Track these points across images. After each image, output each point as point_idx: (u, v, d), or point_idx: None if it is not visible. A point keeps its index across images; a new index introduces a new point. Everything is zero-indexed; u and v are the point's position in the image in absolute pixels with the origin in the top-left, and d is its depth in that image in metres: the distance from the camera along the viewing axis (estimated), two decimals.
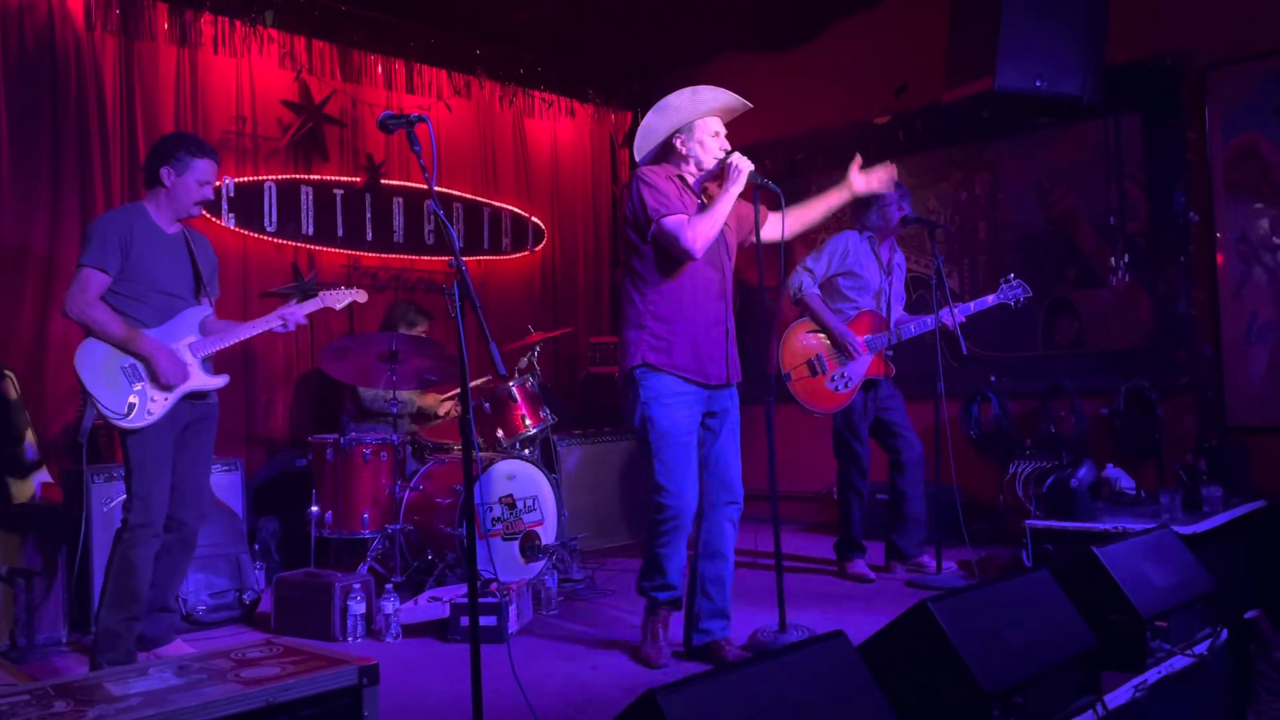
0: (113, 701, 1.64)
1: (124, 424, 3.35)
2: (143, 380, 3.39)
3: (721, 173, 3.38)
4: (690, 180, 3.46)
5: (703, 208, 3.38)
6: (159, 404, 3.40)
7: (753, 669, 2.00)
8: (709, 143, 3.42)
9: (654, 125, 3.45)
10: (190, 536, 3.61)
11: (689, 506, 3.37)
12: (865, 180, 3.59)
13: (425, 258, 6.25)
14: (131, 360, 3.39)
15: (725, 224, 3.40)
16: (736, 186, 3.33)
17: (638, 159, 3.55)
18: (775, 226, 3.51)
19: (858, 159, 3.59)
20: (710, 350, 3.41)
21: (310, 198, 5.73)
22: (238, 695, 1.67)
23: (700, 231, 3.28)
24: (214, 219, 5.33)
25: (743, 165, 3.32)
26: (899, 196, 4.74)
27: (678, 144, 3.45)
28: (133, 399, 3.36)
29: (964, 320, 4.57)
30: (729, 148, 3.44)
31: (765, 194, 3.41)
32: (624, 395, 3.47)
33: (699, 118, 3.42)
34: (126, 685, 1.73)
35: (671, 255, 3.36)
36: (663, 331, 3.37)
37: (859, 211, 4.82)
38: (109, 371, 3.36)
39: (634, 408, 3.40)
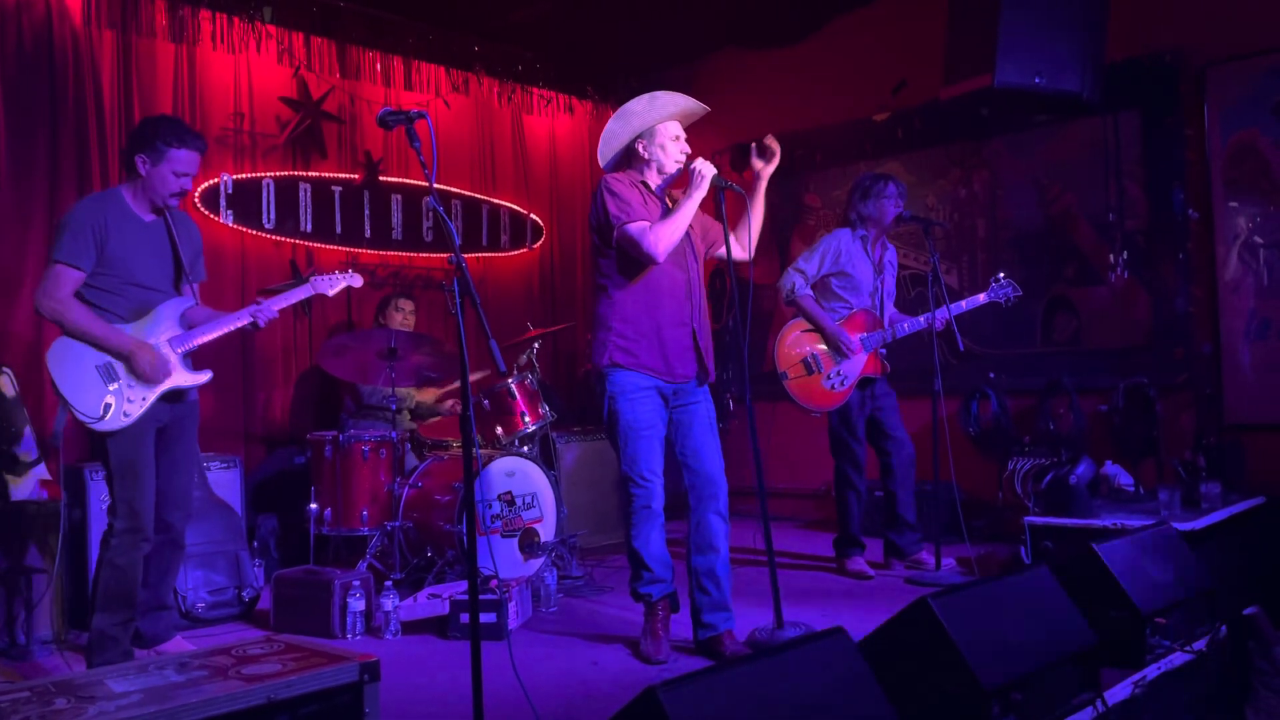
0: (113, 698, 1.63)
1: (98, 427, 3.22)
2: (119, 380, 3.26)
3: (684, 178, 3.47)
4: (653, 185, 3.57)
5: (666, 213, 3.45)
6: (136, 405, 3.27)
7: (753, 665, 2.00)
8: (670, 146, 3.54)
9: (616, 132, 3.56)
10: (179, 537, 3.54)
11: (657, 493, 3.46)
12: (762, 162, 3.58)
13: (424, 255, 6.24)
14: (107, 359, 3.25)
15: (690, 227, 3.50)
16: (699, 191, 3.42)
17: (602, 165, 3.65)
18: (736, 247, 3.60)
19: (753, 150, 3.59)
20: (677, 350, 3.50)
21: (308, 195, 5.72)
22: (239, 692, 1.67)
23: (662, 236, 3.37)
24: (212, 216, 5.32)
25: (705, 170, 3.42)
26: (897, 194, 4.74)
27: (640, 149, 3.55)
28: (109, 399, 3.23)
29: (954, 318, 4.58)
30: (689, 151, 3.57)
31: (730, 196, 3.50)
32: (595, 392, 3.57)
33: (659, 122, 3.54)
34: (127, 682, 1.73)
35: (635, 259, 3.44)
36: (629, 332, 3.47)
37: (853, 201, 4.81)
38: (83, 371, 3.22)
39: (601, 403, 3.51)
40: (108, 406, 3.24)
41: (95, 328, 3.25)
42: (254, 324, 3.51)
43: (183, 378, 3.42)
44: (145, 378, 3.29)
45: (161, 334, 3.39)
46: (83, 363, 3.25)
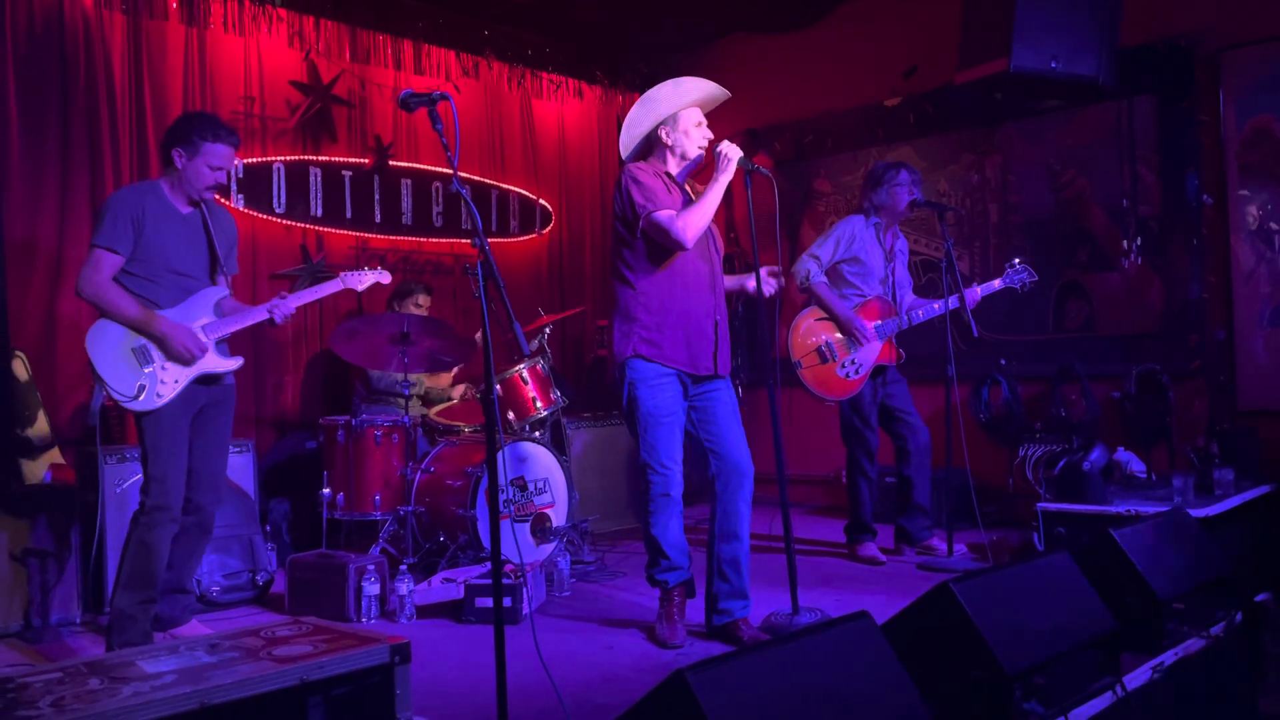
0: (147, 679, 1.63)
1: (132, 406, 3.31)
2: (153, 363, 3.35)
3: (711, 162, 3.44)
4: (675, 173, 3.54)
5: (690, 200, 3.44)
6: (169, 387, 3.35)
7: (781, 649, 2.00)
8: (693, 132, 3.51)
9: (638, 119, 3.52)
10: (207, 520, 3.59)
11: (675, 481, 3.46)
12: (772, 283, 3.59)
13: (433, 240, 6.23)
14: (143, 341, 3.34)
15: (711, 224, 3.48)
16: (726, 175, 3.39)
17: (623, 154, 3.62)
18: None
19: (764, 269, 3.57)
20: (701, 342, 3.48)
21: (319, 179, 5.71)
22: (272, 673, 1.67)
23: (691, 222, 3.35)
24: (223, 200, 5.30)
25: (732, 154, 3.39)
26: (910, 181, 4.72)
27: (662, 135, 3.51)
28: (143, 381, 3.32)
29: (972, 306, 4.57)
30: (711, 137, 3.53)
31: (757, 179, 3.46)
32: (615, 380, 3.56)
33: (682, 109, 3.50)
34: (159, 663, 1.73)
35: (662, 248, 3.42)
36: (653, 323, 3.44)
37: (867, 191, 4.80)
38: (120, 353, 3.31)
39: (621, 390, 3.50)
40: (142, 387, 3.32)
41: (132, 310, 3.33)
42: (271, 320, 3.57)
43: (216, 363, 3.50)
44: (180, 359, 3.38)
45: (197, 320, 3.46)
46: (119, 345, 3.33)
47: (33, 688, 1.62)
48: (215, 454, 3.59)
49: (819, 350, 4.65)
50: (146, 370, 3.34)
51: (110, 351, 3.31)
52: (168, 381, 3.36)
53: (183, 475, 3.41)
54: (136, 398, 3.31)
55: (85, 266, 3.33)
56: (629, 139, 3.57)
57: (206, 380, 3.49)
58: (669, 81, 3.47)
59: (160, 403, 3.35)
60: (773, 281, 3.58)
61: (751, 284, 3.58)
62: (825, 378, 4.64)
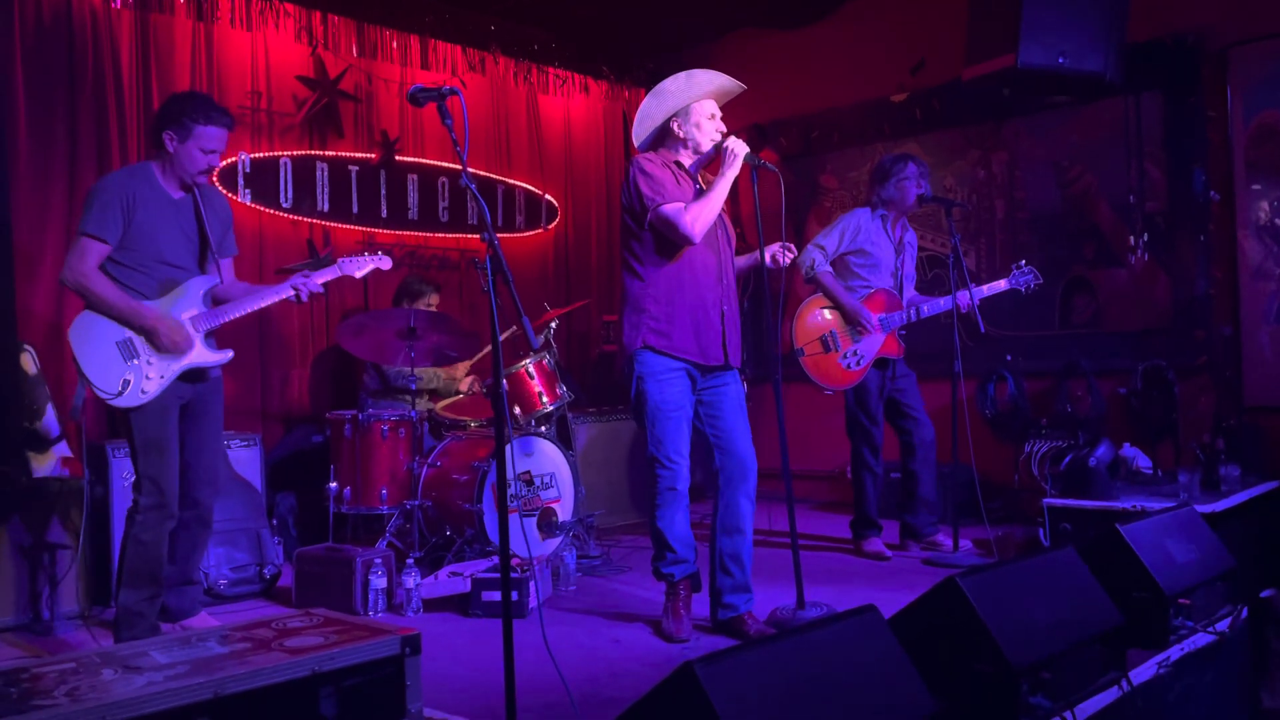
0: (160, 669, 1.65)
1: (116, 403, 3.24)
2: (138, 357, 3.27)
3: (717, 157, 3.45)
4: (687, 165, 3.54)
5: (700, 193, 3.44)
6: (154, 383, 3.28)
7: (788, 642, 2.01)
8: (705, 125, 3.50)
9: (650, 111, 3.53)
10: (206, 514, 3.56)
11: (682, 475, 3.47)
12: (773, 266, 3.64)
13: (439, 235, 6.24)
14: (128, 335, 3.26)
15: (721, 212, 3.49)
16: (732, 170, 3.40)
17: (636, 145, 3.63)
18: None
19: (778, 248, 3.66)
20: (709, 333, 3.48)
21: (325, 174, 5.71)
22: (284, 664, 1.68)
23: (699, 216, 3.36)
24: (230, 194, 5.31)
25: (738, 149, 3.40)
26: (918, 174, 4.72)
27: (674, 128, 3.52)
28: (127, 376, 3.24)
29: (976, 304, 4.57)
30: (725, 130, 3.53)
31: (763, 174, 3.46)
32: (624, 374, 3.56)
33: (694, 101, 3.50)
34: (171, 654, 1.74)
35: (670, 240, 3.43)
36: (662, 314, 3.45)
37: (874, 185, 4.80)
38: (103, 347, 3.24)
39: (629, 384, 3.50)
40: (126, 383, 3.25)
41: (119, 301, 3.26)
42: (297, 297, 3.51)
43: (203, 356, 3.41)
44: (167, 350, 3.30)
45: (185, 312, 3.39)
46: (104, 339, 3.26)
47: (47, 678, 1.63)
48: (209, 449, 3.53)
49: (822, 339, 4.66)
50: (131, 365, 3.26)
51: (94, 345, 3.24)
52: (152, 377, 3.28)
53: (175, 471, 3.34)
54: (120, 394, 3.23)
55: (71, 254, 3.25)
56: (641, 130, 3.58)
57: (192, 376, 3.41)
58: (681, 74, 3.47)
59: (144, 399, 3.27)
60: (784, 255, 3.61)
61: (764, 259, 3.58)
62: (826, 366, 4.65)
